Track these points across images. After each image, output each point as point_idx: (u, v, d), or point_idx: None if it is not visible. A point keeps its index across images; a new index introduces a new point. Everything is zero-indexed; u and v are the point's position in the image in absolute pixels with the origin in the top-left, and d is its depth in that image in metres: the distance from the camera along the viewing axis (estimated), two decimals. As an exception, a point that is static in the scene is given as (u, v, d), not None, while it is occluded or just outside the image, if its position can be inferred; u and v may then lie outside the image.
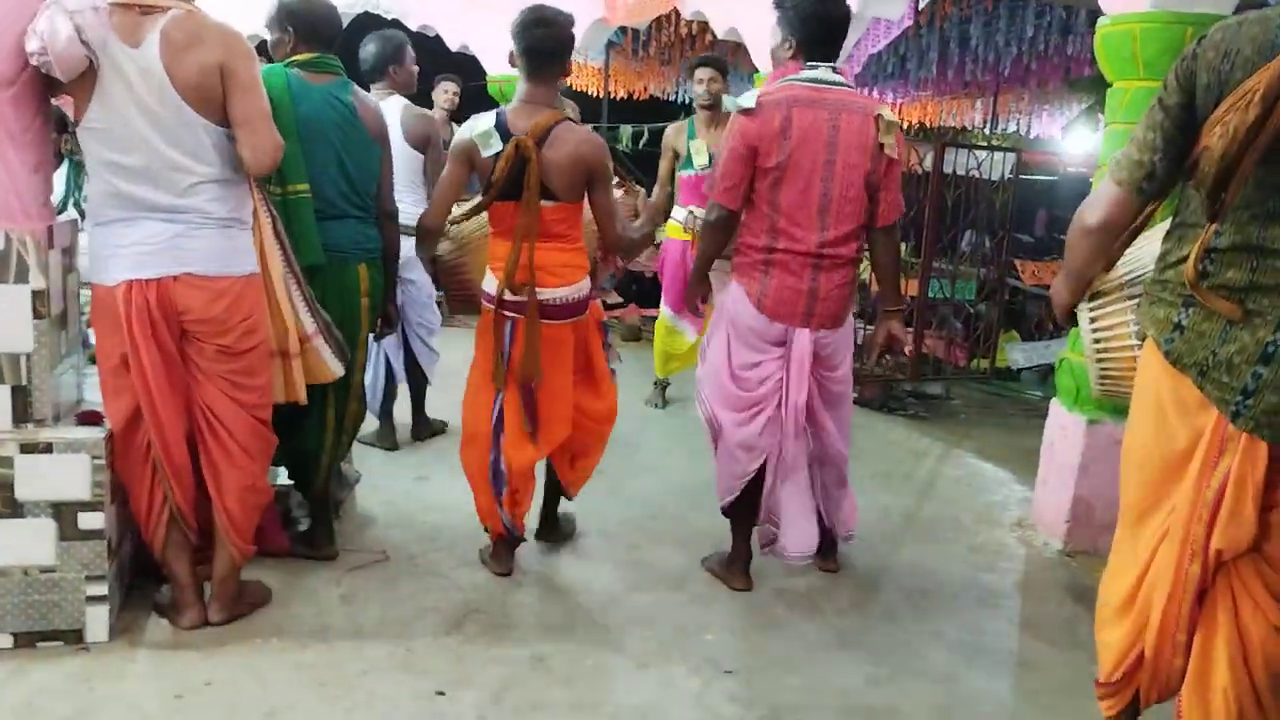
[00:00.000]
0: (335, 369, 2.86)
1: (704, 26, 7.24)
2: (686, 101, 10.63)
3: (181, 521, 2.62)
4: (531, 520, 3.26)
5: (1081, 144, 10.95)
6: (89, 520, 2.49)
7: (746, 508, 3.09)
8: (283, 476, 3.26)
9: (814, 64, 2.90)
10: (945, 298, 6.79)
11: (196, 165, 2.43)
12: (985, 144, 7.29)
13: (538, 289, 2.89)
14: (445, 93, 6.33)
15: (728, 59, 9.21)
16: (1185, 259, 1.75)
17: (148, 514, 2.61)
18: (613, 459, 4.13)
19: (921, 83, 9.71)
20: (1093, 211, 1.90)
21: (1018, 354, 6.74)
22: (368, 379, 3.58)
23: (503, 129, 2.84)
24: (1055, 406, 3.70)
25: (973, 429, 5.36)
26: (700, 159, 5.09)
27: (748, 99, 2.86)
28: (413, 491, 3.83)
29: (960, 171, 6.59)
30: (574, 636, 2.77)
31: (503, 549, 3.14)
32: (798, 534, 3.04)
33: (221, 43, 2.39)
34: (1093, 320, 2.05)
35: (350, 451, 3.45)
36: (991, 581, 3.34)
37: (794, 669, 2.67)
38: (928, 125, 10.95)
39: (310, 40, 2.99)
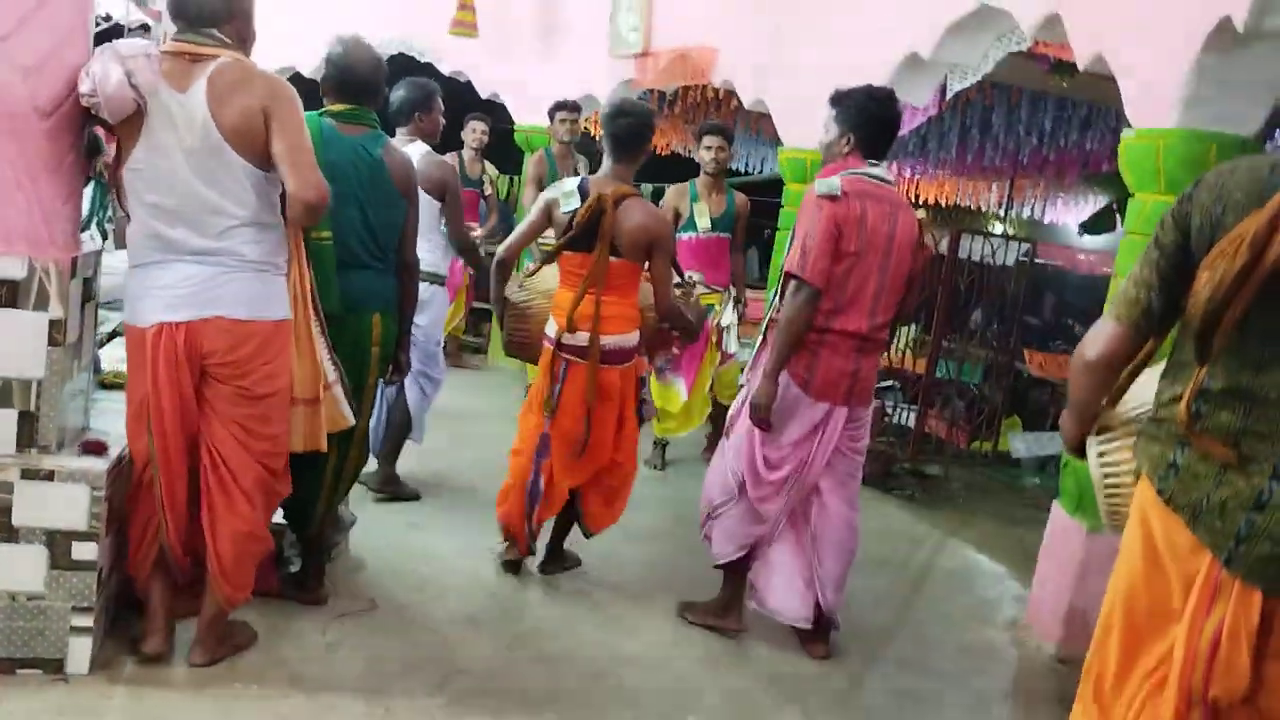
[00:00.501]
0: (350, 417, 2.85)
1: (731, 92, 7.37)
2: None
3: (170, 557, 2.59)
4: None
5: (1096, 241, 11.03)
6: (82, 551, 2.47)
7: (744, 558, 3.30)
8: (277, 515, 3.23)
9: (874, 162, 3.11)
10: (951, 378, 6.80)
11: (234, 208, 2.46)
12: (1001, 234, 7.37)
13: (600, 335, 3.27)
14: (474, 131, 6.42)
15: (751, 125, 9.36)
16: (1179, 399, 1.74)
17: (139, 540, 2.60)
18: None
19: (941, 162, 9.82)
20: (1092, 346, 1.90)
21: (1019, 444, 6.72)
22: (370, 422, 3.57)
23: (584, 192, 3.27)
24: (1057, 510, 3.68)
25: (970, 516, 5.32)
26: (703, 221, 5.17)
27: (835, 186, 3.00)
28: (405, 539, 3.80)
29: (975, 258, 6.67)
30: (556, 710, 2.74)
31: (515, 547, 3.53)
32: (793, 600, 3.22)
33: (266, 88, 2.44)
34: (1101, 455, 2.04)
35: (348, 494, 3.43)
36: (981, 685, 3.31)
37: (775, 762, 2.64)
38: (944, 204, 11.03)
39: (342, 92, 3.05)
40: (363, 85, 3.06)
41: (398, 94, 3.97)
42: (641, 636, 3.27)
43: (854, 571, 3.80)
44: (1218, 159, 3.19)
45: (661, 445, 5.41)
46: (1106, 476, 2.03)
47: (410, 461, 4.34)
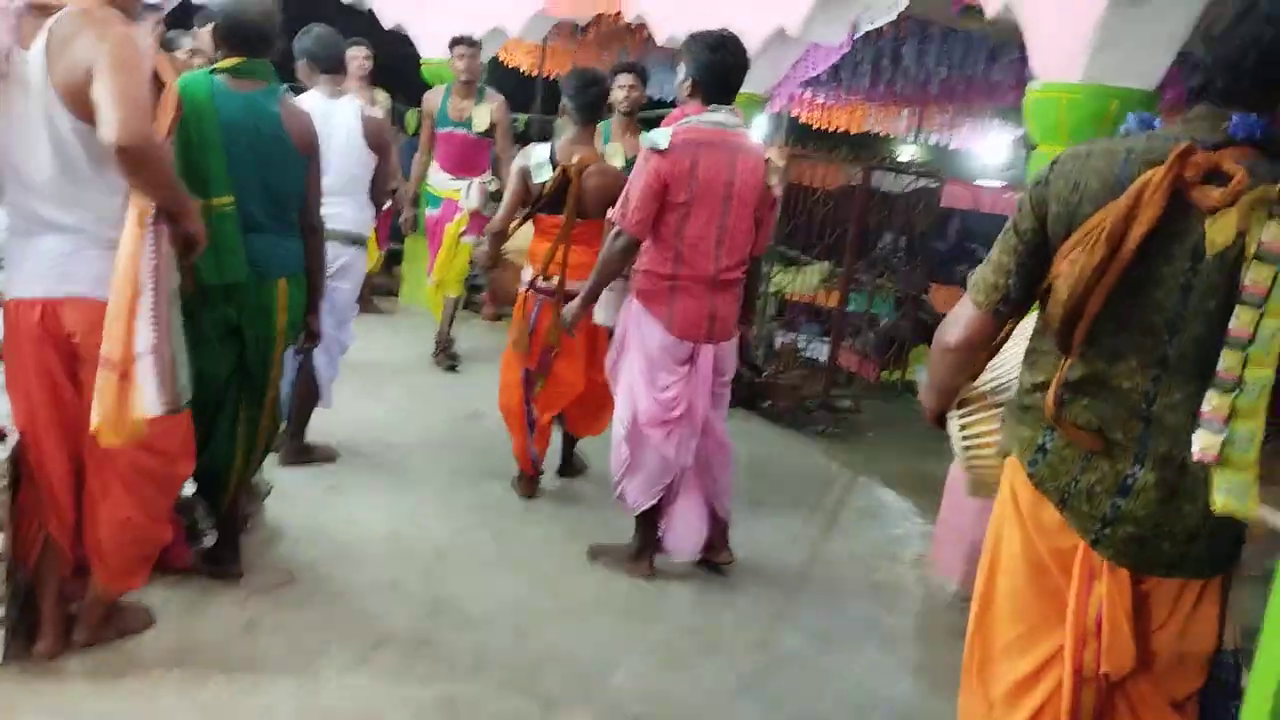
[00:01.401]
0: (151, 408, 2.27)
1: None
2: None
3: (55, 547, 2.50)
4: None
5: (1006, 172, 11.28)
6: (-14, 543, 2.39)
7: (655, 506, 3.46)
8: (190, 487, 3.16)
9: (715, 107, 3.17)
10: (863, 310, 6.97)
11: (84, 177, 2.28)
12: (910, 168, 7.51)
13: (566, 280, 3.72)
14: (355, 59, 5.89)
15: (666, 55, 9.19)
16: (1044, 386, 1.79)
17: (27, 526, 2.49)
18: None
19: (853, 89, 9.84)
20: (952, 331, 1.91)
21: (924, 375, 6.92)
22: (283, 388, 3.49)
23: (553, 159, 3.74)
24: (960, 451, 3.82)
25: (880, 450, 5.50)
26: (617, 162, 5.08)
27: (661, 139, 3.11)
28: (324, 503, 3.76)
29: (885, 188, 6.78)
30: (482, 675, 2.78)
31: (527, 480, 4.05)
32: (683, 533, 3.44)
33: (98, 34, 2.18)
34: (962, 428, 2.11)
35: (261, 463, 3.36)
36: (890, 624, 3.46)
37: (696, 716, 2.74)
38: (852, 132, 11.09)
39: (232, 43, 2.89)
40: (255, 35, 2.89)
41: (331, 41, 3.85)
42: (563, 594, 3.32)
43: (768, 514, 3.97)
44: (1119, 114, 3.27)
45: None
46: (968, 448, 2.10)
47: (324, 419, 4.25)
